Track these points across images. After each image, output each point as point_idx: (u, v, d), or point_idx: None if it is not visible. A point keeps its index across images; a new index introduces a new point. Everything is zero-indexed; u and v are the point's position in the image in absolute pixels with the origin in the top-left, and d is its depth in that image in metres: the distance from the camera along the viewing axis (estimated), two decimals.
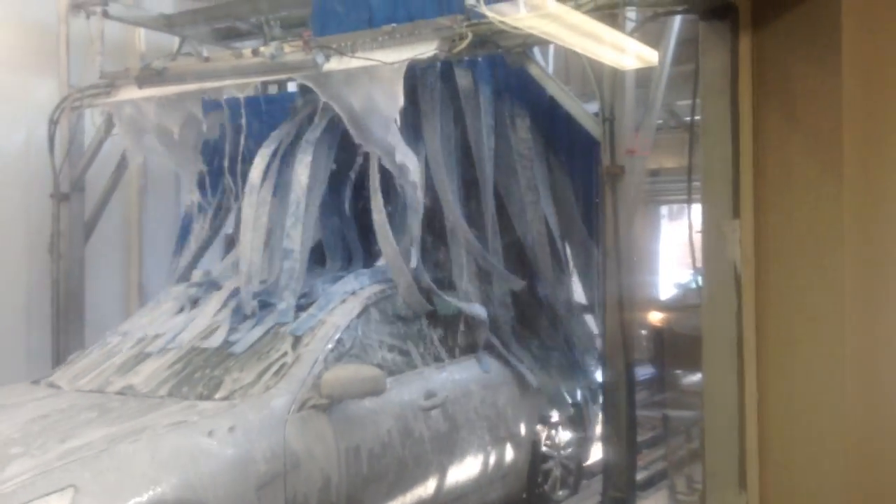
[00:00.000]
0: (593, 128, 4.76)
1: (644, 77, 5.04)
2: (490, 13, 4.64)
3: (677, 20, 5.15)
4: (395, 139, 5.03)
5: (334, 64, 5.17)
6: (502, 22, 4.62)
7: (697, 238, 2.81)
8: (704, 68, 2.55)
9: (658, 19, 4.65)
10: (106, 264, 7.15)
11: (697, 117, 2.82)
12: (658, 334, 7.61)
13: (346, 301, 4.61)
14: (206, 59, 5.60)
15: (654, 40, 4.84)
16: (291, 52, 5.25)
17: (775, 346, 2.44)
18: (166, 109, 5.87)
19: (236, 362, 4.27)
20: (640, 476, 5.15)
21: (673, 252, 12.54)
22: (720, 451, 2.51)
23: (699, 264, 2.83)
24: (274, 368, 4.13)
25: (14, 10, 6.58)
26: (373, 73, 5.01)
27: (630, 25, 4.60)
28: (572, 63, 6.11)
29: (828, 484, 2.39)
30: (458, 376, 4.97)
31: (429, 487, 4.54)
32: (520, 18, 4.54)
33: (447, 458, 4.65)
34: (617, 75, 4.66)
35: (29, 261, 6.70)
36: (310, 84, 5.19)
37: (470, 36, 4.85)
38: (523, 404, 5.34)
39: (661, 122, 5.28)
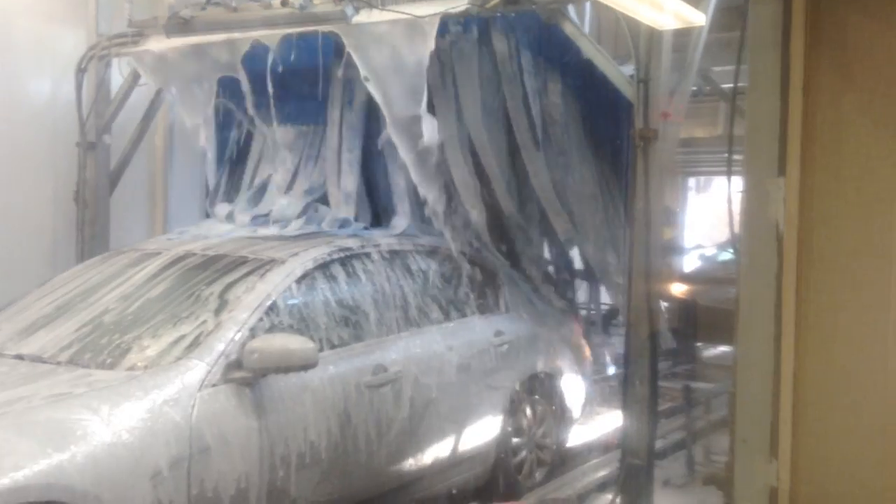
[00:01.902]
0: (627, 89, 4.64)
1: (680, 42, 4.89)
2: None
3: None
4: (418, 101, 4.97)
5: (364, 16, 5.08)
6: None
7: (735, 208, 2.72)
8: (754, 18, 2.44)
9: None
10: (131, 213, 7.14)
11: (740, 84, 2.72)
12: (681, 306, 7.53)
13: (285, 262, 4.14)
14: (235, 9, 5.51)
15: (692, 3, 4.70)
16: (321, 3, 5.17)
17: (816, 311, 2.35)
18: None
19: (150, 328, 3.77)
20: (659, 445, 5.10)
21: (699, 224, 12.39)
22: (752, 417, 2.44)
23: (736, 231, 2.74)
24: (192, 336, 3.64)
25: None
26: (403, 28, 4.93)
27: None
28: (605, 23, 5.97)
29: (864, 454, 2.33)
30: (419, 349, 4.51)
31: (371, 474, 4.15)
32: None
33: (396, 440, 4.24)
34: (654, 35, 4.53)
35: (55, 209, 6.71)
36: (339, 34, 5.11)
37: None
38: (495, 379, 4.96)
39: (695, 88, 5.13)
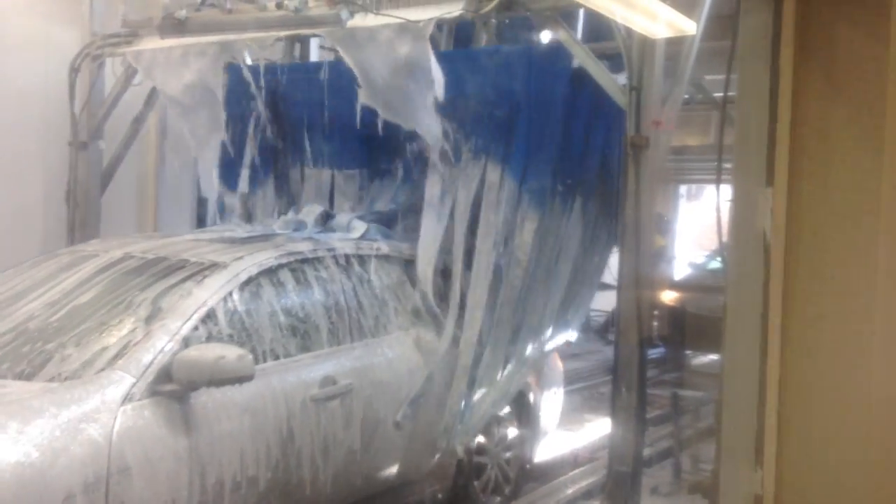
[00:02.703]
0: (619, 97, 4.66)
1: (672, 51, 4.92)
2: None
3: None
4: (420, 106, 4.98)
5: (359, 20, 5.09)
6: None
7: (724, 216, 2.73)
8: (744, 28, 2.46)
9: None
10: (122, 214, 7.15)
11: (731, 93, 2.73)
12: (671, 314, 7.55)
13: (227, 267, 3.83)
14: (229, 11, 5.51)
15: (686, 10, 4.72)
16: (315, 6, 5.17)
17: (801, 320, 2.37)
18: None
19: (74, 336, 3.46)
20: (646, 452, 5.12)
21: (689, 232, 12.45)
22: (738, 426, 2.45)
23: (725, 240, 2.75)
24: (119, 346, 3.35)
25: None
26: (398, 32, 4.94)
27: None
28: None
29: (848, 464, 2.34)
30: (373, 360, 4.24)
31: (315, 497, 3.86)
32: None
33: (345, 459, 3.97)
34: (646, 43, 4.55)
35: (45, 208, 6.71)
36: (332, 40, 5.12)
37: None
38: (451, 389, 4.64)
39: (687, 96, 5.15)
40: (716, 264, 8.63)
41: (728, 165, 2.77)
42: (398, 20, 4.91)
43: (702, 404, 6.15)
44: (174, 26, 5.63)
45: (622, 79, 4.78)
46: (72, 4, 6.64)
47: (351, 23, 5.05)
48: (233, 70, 5.82)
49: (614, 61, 4.97)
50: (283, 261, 4.10)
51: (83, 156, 6.61)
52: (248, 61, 5.90)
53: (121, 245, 4.29)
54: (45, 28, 6.69)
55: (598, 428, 6.32)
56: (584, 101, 5.09)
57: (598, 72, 4.77)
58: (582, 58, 4.79)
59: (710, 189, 11.92)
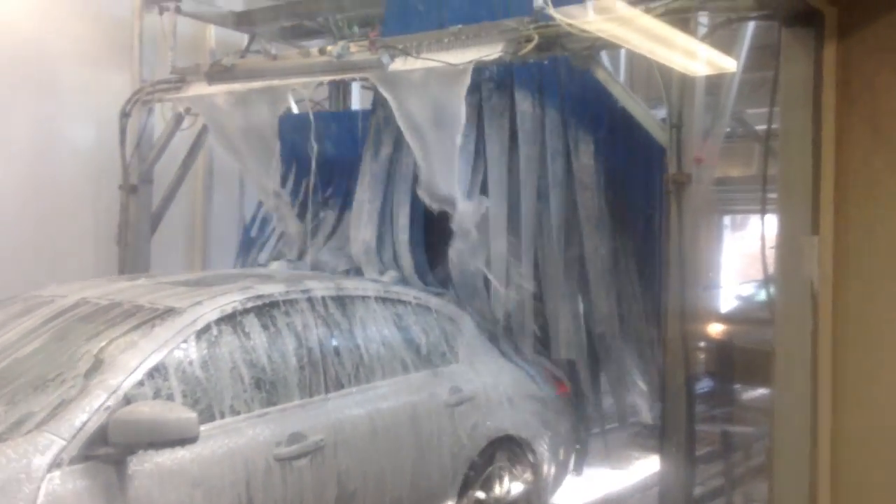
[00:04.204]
0: (660, 134, 4.66)
1: (713, 84, 4.92)
2: (558, 15, 4.60)
3: (751, 25, 5.02)
4: (453, 151, 5.05)
5: (399, 64, 5.18)
6: (570, 24, 4.57)
7: (769, 250, 2.71)
8: (786, 77, 2.46)
9: (731, 25, 4.54)
10: (171, 255, 7.30)
11: (774, 126, 2.73)
12: (718, 347, 7.43)
13: (182, 313, 3.49)
14: (274, 57, 5.65)
15: (725, 45, 4.72)
16: (357, 51, 5.28)
17: (853, 369, 2.33)
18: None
19: (7, 393, 3.14)
20: (698, 491, 5.02)
21: (735, 263, 12.27)
22: (790, 475, 2.41)
23: (770, 276, 2.73)
24: (53, 404, 3.02)
25: (90, 4, 6.77)
26: (438, 75, 5.02)
27: (702, 30, 4.50)
28: (636, 68, 6.01)
29: None
30: (350, 412, 3.83)
31: None
32: (588, 21, 4.48)
33: None
34: (686, 81, 4.56)
35: (97, 250, 6.88)
36: (376, 83, 5.22)
37: (536, 38, 4.81)
38: (448, 446, 4.27)
39: (729, 129, 5.13)
40: (763, 295, 8.48)
41: (772, 195, 2.76)
42: (438, 64, 4.99)
43: (753, 440, 6.03)
44: (221, 73, 5.79)
45: (662, 113, 4.79)
46: (121, 51, 6.85)
47: (392, 67, 5.14)
48: (286, 119, 5.96)
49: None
50: (249, 305, 3.73)
51: (133, 198, 6.78)
52: (293, 104, 6.03)
53: (78, 289, 3.97)
54: (95, 74, 6.91)
55: (647, 466, 6.22)
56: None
57: (639, 110, 4.78)
58: (621, 96, 4.81)
59: (755, 219, 11.77)
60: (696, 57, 4.32)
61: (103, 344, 3.31)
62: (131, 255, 6.76)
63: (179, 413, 3.02)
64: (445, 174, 5.14)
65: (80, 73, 6.79)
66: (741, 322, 7.63)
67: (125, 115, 6.65)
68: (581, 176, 5.16)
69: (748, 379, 7.07)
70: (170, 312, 3.52)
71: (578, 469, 5.36)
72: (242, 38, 7.28)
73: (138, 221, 6.79)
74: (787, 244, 2.44)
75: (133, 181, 6.74)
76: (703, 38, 4.40)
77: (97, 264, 6.86)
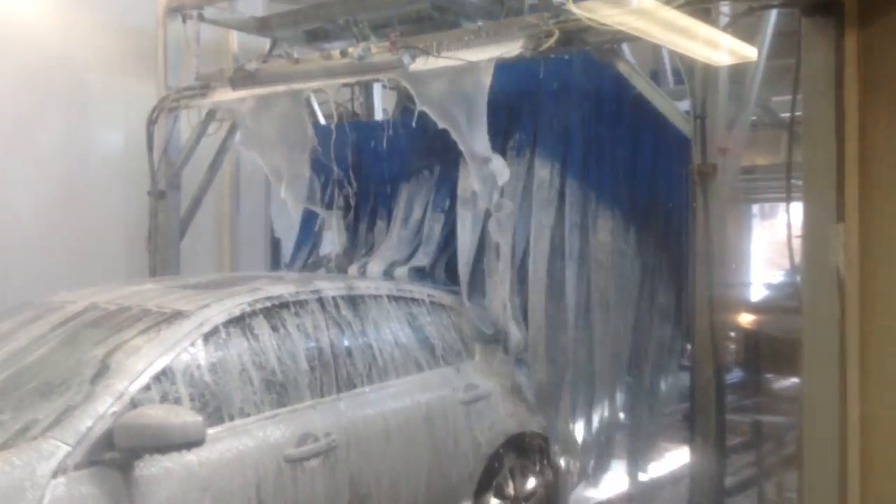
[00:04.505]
0: (684, 125, 4.65)
1: (736, 72, 4.89)
2: (578, 10, 4.60)
3: (773, 13, 4.98)
4: (485, 144, 5.06)
5: (420, 64, 5.21)
6: (590, 19, 4.57)
7: (795, 239, 2.71)
8: (807, 67, 2.46)
9: (754, 14, 4.51)
10: (200, 259, 7.41)
11: (797, 113, 2.73)
12: (748, 337, 7.39)
13: (190, 317, 3.47)
14: (297, 61, 5.71)
15: (748, 33, 4.69)
16: (378, 52, 5.32)
17: (880, 355, 2.33)
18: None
19: (15, 399, 3.15)
20: (729, 482, 5.01)
21: (764, 252, 12.16)
22: (819, 464, 2.41)
23: (797, 264, 2.74)
24: (59, 410, 3.00)
25: (115, 14, 6.88)
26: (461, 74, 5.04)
27: (724, 20, 4.47)
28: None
29: None
30: (363, 411, 3.80)
31: None
32: (608, 15, 4.48)
33: None
34: (709, 71, 4.55)
35: (128, 255, 6.99)
36: (404, 82, 5.26)
37: (557, 33, 4.81)
38: (464, 444, 4.23)
39: (754, 118, 5.10)
40: (791, 284, 8.42)
41: (797, 182, 2.76)
42: (459, 62, 5.01)
43: (785, 430, 5.99)
44: (245, 78, 5.87)
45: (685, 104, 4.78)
46: (147, 60, 6.94)
47: (412, 66, 5.17)
48: (319, 130, 6.05)
49: None
50: (258, 306, 3.72)
51: (162, 204, 6.87)
52: (316, 106, 6.09)
53: (88, 295, 3.96)
54: (122, 83, 7.03)
55: (678, 457, 6.20)
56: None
57: (662, 102, 4.77)
58: (644, 88, 4.81)
59: (783, 207, 11.68)
60: (718, 47, 4.30)
61: (110, 349, 3.31)
62: (161, 260, 6.85)
63: (185, 417, 3.00)
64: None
65: (107, 82, 6.91)
66: (771, 311, 7.58)
67: (152, 122, 6.73)
68: (597, 253, 5.09)
69: (778, 368, 7.04)
70: (177, 316, 3.51)
71: (599, 470, 5.25)
72: (264, 43, 7.34)
73: (167, 226, 6.88)
74: (813, 232, 2.44)
75: (161, 187, 6.83)
76: (725, 28, 4.38)
77: (129, 270, 6.97)
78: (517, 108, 5.43)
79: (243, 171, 7.60)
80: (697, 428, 4.53)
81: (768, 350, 6.92)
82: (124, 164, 7.00)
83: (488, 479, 4.37)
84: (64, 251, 6.52)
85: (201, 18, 6.70)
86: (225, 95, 6.20)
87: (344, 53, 5.43)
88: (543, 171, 5.19)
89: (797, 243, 2.75)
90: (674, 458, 6.24)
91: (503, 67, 5.02)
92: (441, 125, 5.15)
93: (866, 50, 2.30)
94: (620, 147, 5.34)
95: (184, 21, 6.77)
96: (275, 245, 7.76)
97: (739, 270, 9.96)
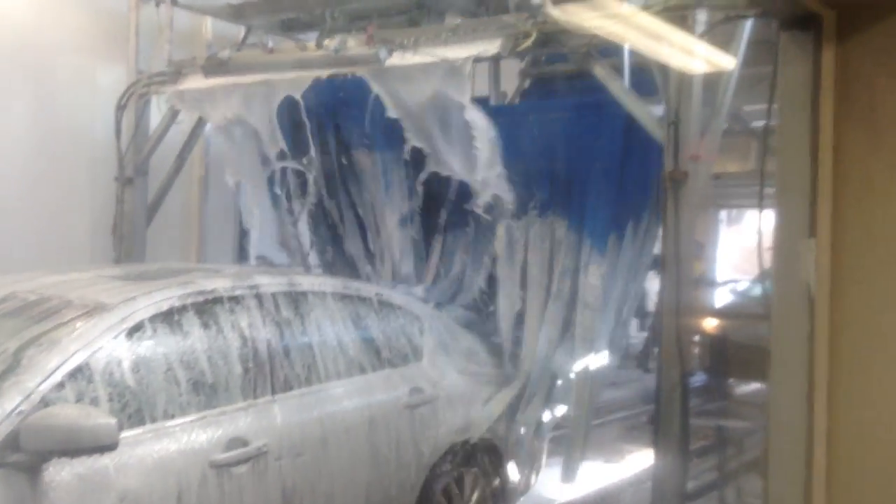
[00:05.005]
0: (657, 131, 4.67)
1: (710, 80, 4.92)
2: (555, 12, 4.60)
3: (748, 23, 5.02)
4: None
5: (397, 59, 5.17)
6: (567, 22, 4.57)
7: (766, 249, 2.73)
8: (784, 80, 2.47)
9: (730, 22, 4.54)
10: (166, 246, 7.30)
11: (771, 122, 2.74)
12: (712, 342, 7.48)
13: (112, 310, 3.24)
14: (271, 51, 5.64)
15: (723, 41, 4.73)
16: (354, 46, 5.27)
17: (849, 372, 2.35)
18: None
19: None
20: (690, 486, 5.06)
21: (730, 257, 12.31)
22: (785, 476, 2.43)
23: (765, 272, 2.76)
24: None
25: None
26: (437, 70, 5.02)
27: (700, 27, 4.50)
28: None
29: None
30: (297, 415, 3.58)
31: None
32: (586, 18, 4.48)
33: None
34: (683, 78, 4.57)
35: (93, 241, 6.88)
36: (370, 79, 5.22)
37: (535, 34, 4.81)
38: (407, 450, 4.04)
39: (725, 126, 5.14)
40: (758, 290, 8.54)
41: (770, 190, 2.77)
42: (436, 59, 4.99)
43: (746, 435, 6.07)
44: (217, 66, 5.79)
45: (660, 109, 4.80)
46: (118, 43, 6.82)
47: (389, 62, 5.14)
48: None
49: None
50: (189, 301, 3.46)
51: (129, 190, 6.76)
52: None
53: (9, 283, 3.71)
54: (91, 66, 6.90)
55: (639, 460, 6.26)
56: (636, 137, 5.05)
57: (636, 107, 4.79)
58: (619, 94, 4.82)
59: (750, 213, 11.82)
60: (693, 54, 4.32)
61: (23, 342, 3.07)
62: (127, 248, 6.75)
63: (97, 419, 2.81)
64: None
65: (77, 64, 6.77)
66: (736, 317, 7.68)
67: (121, 107, 6.62)
68: (586, 295, 5.10)
69: (742, 374, 7.13)
70: (99, 309, 3.26)
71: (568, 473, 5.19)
72: (239, 31, 7.24)
73: (134, 213, 6.78)
74: (784, 246, 2.46)
75: (129, 173, 6.72)
76: (701, 36, 4.41)
77: (93, 255, 6.86)
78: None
79: (212, 159, 7.49)
80: (661, 431, 4.57)
81: (732, 355, 7.01)
82: (92, 149, 6.87)
83: (431, 489, 4.17)
84: (29, 235, 6.39)
85: (175, 3, 6.60)
86: (196, 83, 6.11)
87: (320, 45, 5.38)
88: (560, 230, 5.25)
89: (767, 252, 2.77)
90: (637, 461, 6.30)
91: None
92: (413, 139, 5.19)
93: (843, 65, 2.32)
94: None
95: (157, 5, 6.66)
96: (242, 235, 7.68)
97: (705, 273, 10.07)
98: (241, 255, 7.63)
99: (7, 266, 5.78)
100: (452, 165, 5.24)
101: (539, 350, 5.07)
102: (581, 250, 5.14)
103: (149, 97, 6.69)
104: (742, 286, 9.62)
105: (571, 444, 5.11)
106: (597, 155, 5.14)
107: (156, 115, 6.79)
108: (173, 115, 6.63)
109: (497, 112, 5.30)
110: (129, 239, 6.76)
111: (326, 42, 5.33)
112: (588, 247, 5.12)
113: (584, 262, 5.11)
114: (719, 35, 4.61)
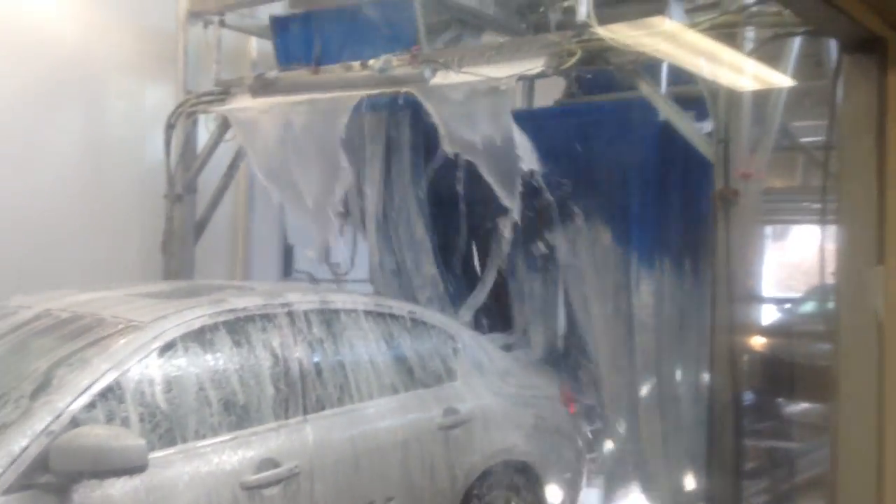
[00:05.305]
0: (706, 149, 4.62)
1: (759, 96, 4.86)
2: (601, 30, 4.59)
3: (798, 39, 4.96)
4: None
5: (441, 78, 5.20)
6: (613, 39, 4.56)
7: (827, 257, 2.66)
8: (846, 105, 2.43)
9: (779, 40, 4.49)
10: (215, 263, 7.40)
11: (819, 138, 2.70)
12: (761, 361, 7.33)
13: (144, 328, 3.21)
14: (316, 71, 5.71)
15: (772, 56, 4.67)
16: (399, 65, 5.32)
17: None
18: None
19: None
20: None
21: (776, 274, 12.08)
22: None
23: (827, 280, 2.70)
24: None
25: (135, 17, 6.88)
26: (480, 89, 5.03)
27: (749, 45, 4.46)
28: None
29: None
30: (330, 435, 3.51)
31: None
32: (632, 36, 4.46)
33: None
34: (733, 95, 4.52)
35: (143, 259, 6.98)
36: (419, 97, 5.24)
37: (579, 53, 4.80)
38: (442, 472, 3.92)
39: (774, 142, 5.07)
40: (808, 307, 8.36)
41: (815, 206, 2.69)
42: (480, 78, 5.00)
43: (798, 456, 5.94)
44: (264, 86, 5.88)
45: (708, 126, 4.75)
46: (167, 63, 6.94)
47: (433, 81, 5.16)
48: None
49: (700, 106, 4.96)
50: (220, 319, 3.43)
51: (178, 208, 6.87)
52: None
53: (43, 300, 3.70)
54: (140, 86, 7.04)
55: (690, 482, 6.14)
56: (677, 149, 5.02)
57: (684, 125, 4.75)
58: (666, 111, 4.78)
59: (797, 229, 11.60)
60: (743, 72, 4.28)
61: (54, 361, 3.05)
62: (176, 264, 6.85)
63: (125, 440, 2.78)
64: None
65: (127, 84, 6.91)
66: (785, 335, 7.52)
67: (170, 126, 6.74)
68: (641, 315, 5.07)
69: (793, 393, 6.98)
70: (131, 327, 3.23)
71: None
72: None
73: (182, 230, 6.88)
74: (850, 272, 2.41)
75: (178, 191, 6.83)
76: (750, 53, 4.36)
77: (144, 272, 6.97)
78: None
79: (257, 176, 7.58)
80: (713, 452, 4.50)
81: (782, 374, 6.87)
82: (141, 168, 7.00)
83: None
84: (80, 253, 6.50)
85: (222, 24, 6.72)
86: (244, 102, 6.20)
87: (364, 65, 5.43)
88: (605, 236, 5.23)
89: (826, 270, 2.72)
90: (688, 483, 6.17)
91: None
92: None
93: None
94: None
95: (205, 26, 6.78)
96: (287, 251, 7.77)
97: (756, 294, 9.86)
98: (286, 270, 7.71)
99: (60, 284, 5.91)
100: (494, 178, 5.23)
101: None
102: (629, 264, 5.10)
103: (197, 116, 6.81)
104: (792, 303, 9.43)
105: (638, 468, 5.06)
106: (632, 159, 5.10)
107: (203, 134, 6.90)
108: (221, 133, 6.73)
109: (531, 116, 5.26)
110: (178, 256, 6.86)
111: (371, 62, 5.37)
112: (635, 261, 5.07)
113: (633, 277, 5.06)
114: (768, 50, 4.56)
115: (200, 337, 3.33)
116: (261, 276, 7.45)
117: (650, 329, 5.00)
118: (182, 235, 6.89)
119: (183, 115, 6.77)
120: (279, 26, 6.03)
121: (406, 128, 5.74)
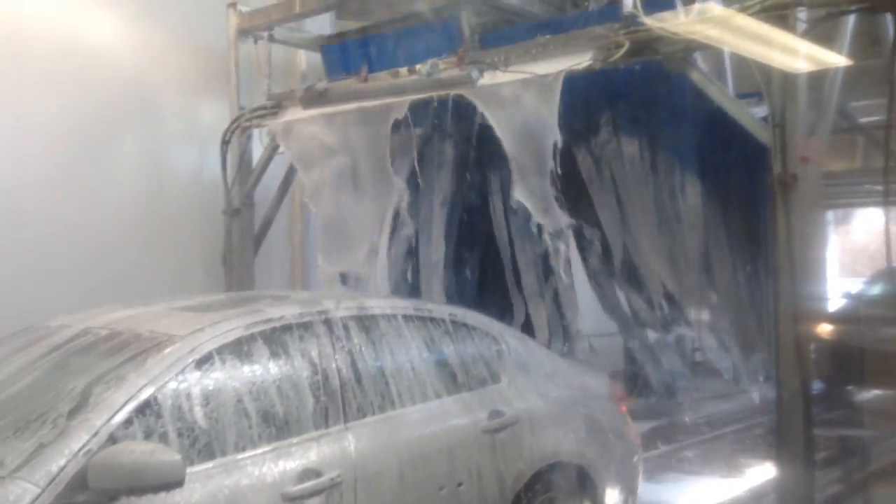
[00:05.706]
0: (762, 134, 4.55)
1: (814, 78, 4.76)
2: (649, 20, 4.56)
3: (852, 17, 4.84)
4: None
5: (488, 78, 5.22)
6: (661, 28, 4.53)
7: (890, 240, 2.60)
8: None
9: (832, 20, 4.40)
10: (274, 275, 7.54)
11: (884, 118, 2.63)
12: (829, 348, 7.17)
13: (180, 342, 3.18)
14: (365, 79, 5.78)
15: (825, 36, 4.58)
16: (446, 68, 5.36)
17: None
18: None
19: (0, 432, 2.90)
20: (818, 498, 4.85)
21: (839, 259, 11.77)
22: None
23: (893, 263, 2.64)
24: (31, 448, 2.76)
25: (187, 36, 7.08)
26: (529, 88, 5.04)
27: (801, 26, 4.37)
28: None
29: None
30: (372, 445, 3.45)
31: None
32: (680, 24, 4.43)
33: None
34: (787, 78, 4.44)
35: (204, 272, 7.15)
36: (471, 98, 5.28)
37: (627, 44, 4.77)
38: (488, 477, 3.81)
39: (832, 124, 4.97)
40: (876, 290, 8.15)
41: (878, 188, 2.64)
42: (527, 75, 5.01)
43: (871, 444, 5.80)
44: (315, 97, 5.98)
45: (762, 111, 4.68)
46: (219, 80, 7.11)
47: (481, 81, 5.19)
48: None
49: None
50: (256, 330, 3.40)
51: (236, 221, 7.02)
52: None
53: (85, 318, 3.67)
54: (195, 104, 7.23)
55: (759, 473, 6.05)
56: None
57: (738, 110, 4.68)
58: (719, 98, 4.72)
59: (859, 213, 11.31)
60: (796, 53, 4.20)
61: (92, 379, 3.03)
62: (236, 276, 7.00)
63: (161, 455, 2.75)
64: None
65: (183, 104, 7.11)
66: (852, 321, 7.34)
67: (226, 141, 6.89)
68: (689, 217, 5.26)
69: (864, 381, 6.80)
70: (168, 341, 3.21)
71: None
72: None
73: (241, 244, 7.02)
74: None
75: (235, 205, 6.98)
76: (803, 35, 4.28)
77: (204, 286, 7.13)
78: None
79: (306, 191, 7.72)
80: (784, 443, 4.41)
81: (852, 361, 6.71)
82: (199, 183, 7.18)
83: None
84: (141, 269, 6.69)
85: (272, 39, 6.85)
86: (296, 114, 6.31)
87: (412, 70, 5.48)
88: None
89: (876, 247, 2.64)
90: (755, 474, 6.08)
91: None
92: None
93: None
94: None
95: (255, 42, 6.92)
96: None
97: (817, 279, 9.63)
98: (342, 279, 7.79)
99: (125, 299, 6.08)
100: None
101: None
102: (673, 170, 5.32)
103: (251, 131, 6.95)
104: (858, 288, 9.18)
105: None
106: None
107: (258, 148, 7.04)
108: (274, 147, 6.86)
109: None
110: (238, 269, 7.00)
111: (418, 66, 5.43)
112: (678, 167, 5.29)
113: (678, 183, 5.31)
114: (821, 31, 4.47)
115: (237, 349, 3.30)
116: (318, 286, 7.55)
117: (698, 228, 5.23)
118: (241, 248, 7.03)
119: (237, 131, 6.92)
120: (328, 51, 6.23)
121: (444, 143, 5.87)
